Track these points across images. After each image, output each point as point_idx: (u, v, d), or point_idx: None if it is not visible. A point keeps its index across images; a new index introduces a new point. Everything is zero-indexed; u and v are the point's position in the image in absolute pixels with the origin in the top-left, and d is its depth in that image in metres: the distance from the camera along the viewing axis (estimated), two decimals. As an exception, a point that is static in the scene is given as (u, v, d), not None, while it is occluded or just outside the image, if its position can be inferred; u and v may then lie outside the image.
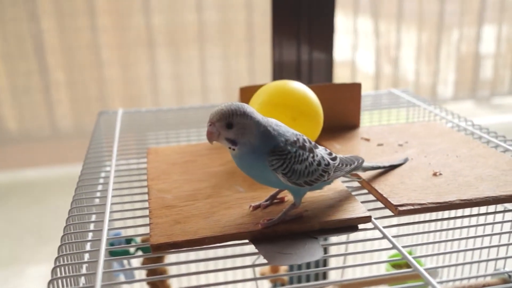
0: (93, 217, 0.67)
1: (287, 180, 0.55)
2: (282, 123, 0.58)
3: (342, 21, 2.49)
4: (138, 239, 0.85)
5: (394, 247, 0.54)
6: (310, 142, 0.58)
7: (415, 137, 0.83)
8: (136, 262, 1.05)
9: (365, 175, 0.69)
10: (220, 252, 0.76)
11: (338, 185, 0.66)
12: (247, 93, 0.83)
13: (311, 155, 0.57)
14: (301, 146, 0.56)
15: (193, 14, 2.23)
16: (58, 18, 2.14)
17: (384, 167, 0.70)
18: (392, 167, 0.71)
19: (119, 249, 0.93)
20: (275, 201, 0.62)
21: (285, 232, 0.56)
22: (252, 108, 0.55)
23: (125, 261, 0.97)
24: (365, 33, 2.59)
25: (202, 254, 0.60)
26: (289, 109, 0.72)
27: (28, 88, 2.22)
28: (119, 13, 2.18)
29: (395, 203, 0.60)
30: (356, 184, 0.70)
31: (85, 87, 2.26)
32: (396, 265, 0.96)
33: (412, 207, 0.59)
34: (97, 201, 0.71)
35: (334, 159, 0.60)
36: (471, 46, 2.79)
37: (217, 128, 0.53)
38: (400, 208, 0.59)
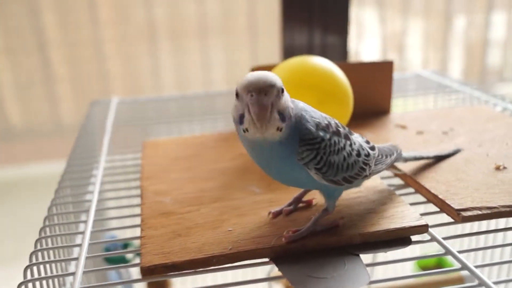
0: (76, 218, 0.54)
1: (321, 178, 0.42)
2: (306, 104, 0.45)
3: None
4: (137, 242, 0.72)
5: (465, 267, 0.41)
6: (344, 127, 0.45)
7: (461, 123, 0.70)
8: (136, 272, 0.93)
9: (409, 170, 0.55)
10: (231, 276, 0.63)
11: (377, 183, 0.53)
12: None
13: (348, 142, 0.44)
14: (335, 131, 0.44)
15: (195, 6, 2.17)
16: (60, 12, 2.07)
17: (429, 157, 0.57)
18: (439, 158, 0.58)
19: (114, 256, 0.81)
20: (300, 205, 0.49)
21: (316, 247, 0.43)
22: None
23: (122, 270, 0.84)
24: (370, 22, 2.46)
25: (209, 277, 0.47)
26: (314, 90, 0.59)
27: (32, 83, 2.16)
28: (120, 6, 2.12)
29: (456, 206, 0.46)
30: (396, 181, 0.56)
31: (88, 81, 2.21)
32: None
33: (479, 212, 0.46)
34: (80, 201, 0.59)
35: (372, 148, 0.48)
36: (479, 33, 2.64)
37: (272, 96, 0.39)
38: (464, 214, 0.45)
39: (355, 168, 0.44)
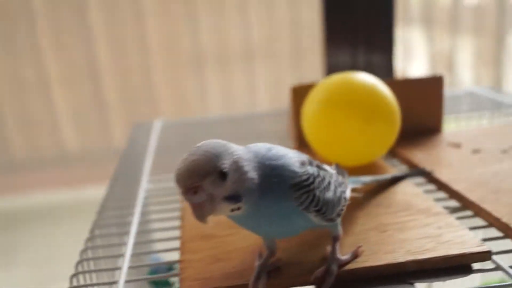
0: (117, 240, 0.53)
1: (321, 219, 0.38)
2: (264, 143, 0.39)
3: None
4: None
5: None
6: (306, 157, 0.40)
7: (521, 141, 0.65)
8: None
9: (465, 191, 0.51)
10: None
11: (431, 205, 0.49)
12: (300, 93, 0.68)
13: (322, 173, 0.40)
14: (311, 163, 0.40)
15: (240, 31, 2.19)
16: (112, 41, 2.15)
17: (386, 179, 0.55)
18: (394, 180, 0.55)
19: (157, 279, 0.79)
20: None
21: (367, 274, 0.40)
22: (224, 141, 0.36)
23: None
24: (417, 41, 2.41)
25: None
26: (358, 108, 0.56)
27: (85, 110, 2.26)
28: (168, 33, 2.18)
29: (521, 231, 0.42)
30: (452, 203, 0.53)
31: (137, 107, 2.29)
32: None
33: (548, 237, 0.41)
34: (120, 225, 0.57)
35: (340, 173, 0.45)
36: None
37: (206, 190, 0.33)
38: (531, 239, 0.41)
39: (341, 200, 0.41)
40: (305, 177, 0.37)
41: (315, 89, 0.61)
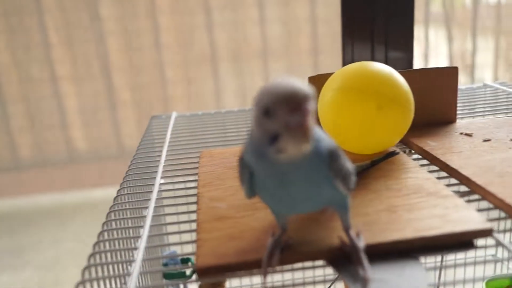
0: (131, 233, 0.55)
1: (345, 188, 0.40)
2: None
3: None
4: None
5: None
6: None
7: (532, 130, 0.66)
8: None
9: (474, 176, 0.53)
10: (289, 277, 0.62)
11: (440, 188, 0.51)
12: (316, 82, 0.70)
13: None
14: None
15: (256, 29, 2.17)
16: (124, 38, 2.13)
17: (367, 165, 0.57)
18: (375, 163, 0.58)
19: (174, 271, 0.81)
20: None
21: (375, 251, 0.42)
22: None
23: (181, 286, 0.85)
24: (438, 41, 2.40)
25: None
26: (373, 95, 0.57)
27: (96, 108, 2.22)
28: (183, 30, 2.15)
29: (525, 210, 0.44)
30: (462, 188, 0.54)
31: (151, 104, 2.24)
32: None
33: (551, 216, 0.43)
34: (135, 215, 0.59)
35: None
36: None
37: (311, 105, 0.34)
38: (534, 218, 0.43)
39: (353, 173, 0.42)
40: (336, 147, 0.39)
41: (331, 77, 0.62)
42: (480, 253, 0.80)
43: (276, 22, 2.19)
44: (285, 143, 0.34)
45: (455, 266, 0.55)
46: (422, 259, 0.41)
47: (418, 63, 2.35)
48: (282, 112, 0.33)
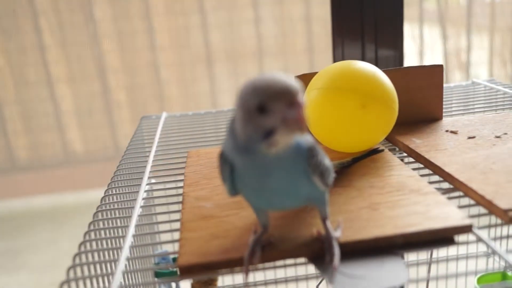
0: (117, 233, 0.55)
1: (322, 183, 0.41)
2: None
3: (406, 29, 2.31)
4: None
5: (510, 267, 0.39)
6: None
7: (516, 127, 0.67)
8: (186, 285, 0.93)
9: (457, 173, 0.53)
10: (271, 275, 0.63)
11: (422, 185, 0.51)
12: (303, 81, 0.70)
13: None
14: None
15: (251, 29, 2.18)
16: (119, 39, 2.13)
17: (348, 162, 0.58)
18: (357, 159, 0.59)
19: (164, 270, 0.82)
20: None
21: (357, 247, 0.42)
22: None
23: (173, 284, 0.85)
24: (432, 39, 2.40)
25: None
26: (357, 93, 0.58)
27: (91, 110, 2.22)
28: (177, 31, 2.15)
29: (503, 206, 0.44)
30: (445, 185, 0.54)
31: (146, 105, 2.25)
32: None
33: (529, 212, 0.43)
34: (120, 214, 0.60)
35: None
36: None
37: (303, 103, 0.35)
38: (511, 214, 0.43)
39: (331, 169, 0.43)
40: (315, 145, 0.40)
41: (316, 76, 0.63)
42: (472, 249, 0.80)
43: (270, 21, 2.20)
44: (280, 136, 0.35)
45: (447, 261, 0.56)
46: (413, 255, 0.41)
47: (413, 61, 2.35)
48: (278, 107, 0.34)
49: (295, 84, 0.35)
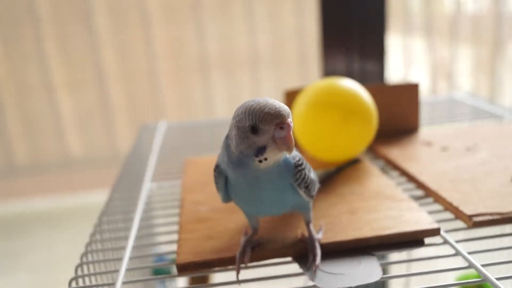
0: (121, 234, 0.60)
1: (307, 196, 0.46)
2: None
3: (392, 40, 2.38)
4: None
5: (471, 265, 0.44)
6: None
7: (486, 140, 0.72)
8: (182, 283, 0.98)
9: (429, 182, 0.59)
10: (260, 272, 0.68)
11: (397, 193, 0.57)
12: (292, 96, 0.75)
13: (303, 159, 0.48)
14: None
15: (246, 39, 2.24)
16: (118, 47, 2.18)
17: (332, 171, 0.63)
18: (339, 169, 0.64)
19: (162, 268, 0.86)
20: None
21: (336, 248, 0.47)
22: None
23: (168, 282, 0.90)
24: (418, 50, 2.47)
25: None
26: (339, 109, 0.63)
27: (91, 115, 2.26)
28: (175, 40, 2.21)
29: (468, 212, 0.50)
30: (418, 193, 0.60)
31: (143, 112, 2.30)
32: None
33: (490, 217, 0.49)
34: (123, 221, 0.64)
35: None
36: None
37: (291, 125, 0.40)
38: (475, 219, 0.49)
39: (316, 181, 0.48)
40: (301, 160, 0.45)
41: (303, 92, 0.68)
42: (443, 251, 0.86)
43: (264, 33, 2.26)
44: (270, 153, 0.40)
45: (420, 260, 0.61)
46: (395, 255, 0.46)
47: (399, 72, 2.42)
48: (269, 129, 0.39)
49: (284, 108, 0.40)
